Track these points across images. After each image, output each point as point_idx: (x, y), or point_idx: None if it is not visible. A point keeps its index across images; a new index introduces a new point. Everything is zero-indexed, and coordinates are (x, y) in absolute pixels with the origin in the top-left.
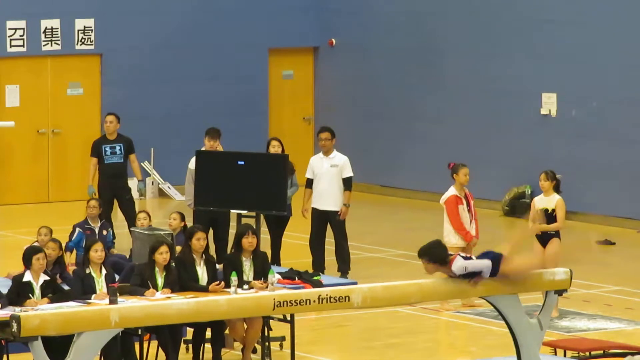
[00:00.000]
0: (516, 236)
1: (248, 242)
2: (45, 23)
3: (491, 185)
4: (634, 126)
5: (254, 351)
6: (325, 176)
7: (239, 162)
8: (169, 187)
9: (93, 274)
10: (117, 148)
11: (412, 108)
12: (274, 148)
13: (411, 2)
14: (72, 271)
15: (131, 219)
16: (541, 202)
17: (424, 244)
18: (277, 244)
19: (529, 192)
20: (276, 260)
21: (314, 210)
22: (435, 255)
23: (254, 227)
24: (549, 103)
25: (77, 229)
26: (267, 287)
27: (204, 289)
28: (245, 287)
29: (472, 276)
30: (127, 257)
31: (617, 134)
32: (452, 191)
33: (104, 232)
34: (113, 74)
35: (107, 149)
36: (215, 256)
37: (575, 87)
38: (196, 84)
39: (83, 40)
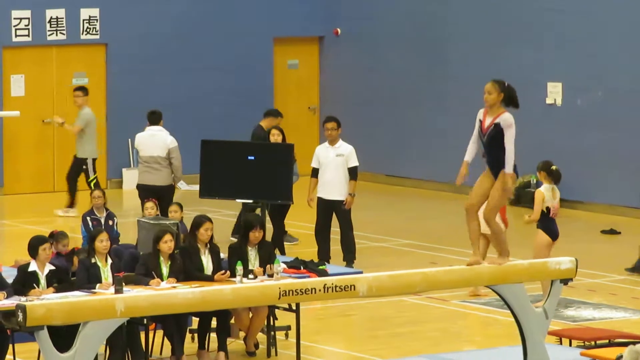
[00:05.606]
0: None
1: (255, 236)
2: (50, 13)
3: None
4: (639, 115)
5: (257, 346)
6: (331, 166)
7: (249, 158)
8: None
9: (99, 263)
10: None
11: (417, 97)
12: (274, 137)
13: None
14: (78, 260)
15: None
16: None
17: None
18: (280, 233)
19: (534, 182)
20: (280, 249)
21: (320, 199)
22: (511, 94)
23: (259, 215)
24: (555, 92)
25: (88, 218)
26: (271, 275)
27: (209, 279)
28: (251, 276)
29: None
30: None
31: (622, 124)
32: None
33: (110, 222)
34: (118, 64)
35: None
36: None
37: (580, 77)
38: (201, 73)
39: (88, 30)
